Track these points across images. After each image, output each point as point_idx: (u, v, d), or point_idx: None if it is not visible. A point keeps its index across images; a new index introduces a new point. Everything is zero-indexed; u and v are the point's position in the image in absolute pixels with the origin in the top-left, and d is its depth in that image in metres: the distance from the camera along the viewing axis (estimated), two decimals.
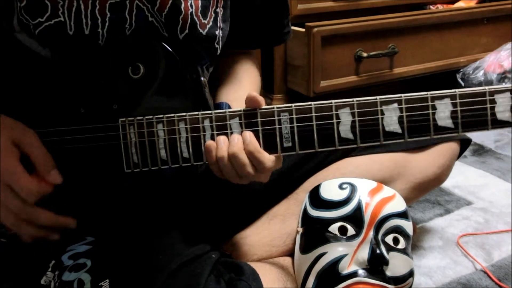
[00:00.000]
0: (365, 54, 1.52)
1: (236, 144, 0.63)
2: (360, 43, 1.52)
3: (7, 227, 0.65)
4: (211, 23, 0.74)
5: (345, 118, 0.64)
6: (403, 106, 0.64)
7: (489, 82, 1.70)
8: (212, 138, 0.65)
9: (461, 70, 1.75)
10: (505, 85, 1.67)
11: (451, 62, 1.72)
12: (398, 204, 0.81)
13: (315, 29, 1.44)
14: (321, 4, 1.57)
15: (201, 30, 0.73)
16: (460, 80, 1.75)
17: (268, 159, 0.65)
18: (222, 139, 0.64)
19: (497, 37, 1.76)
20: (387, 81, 1.62)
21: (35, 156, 0.63)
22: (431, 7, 1.80)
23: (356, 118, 0.64)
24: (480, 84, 1.71)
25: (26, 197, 0.62)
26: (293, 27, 1.48)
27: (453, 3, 1.84)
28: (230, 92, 0.85)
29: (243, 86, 0.87)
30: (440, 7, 1.80)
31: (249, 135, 0.64)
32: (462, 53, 1.74)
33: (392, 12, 1.64)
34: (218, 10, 0.76)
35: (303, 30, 1.46)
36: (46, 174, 0.63)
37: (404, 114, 0.64)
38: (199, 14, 0.73)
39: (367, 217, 0.77)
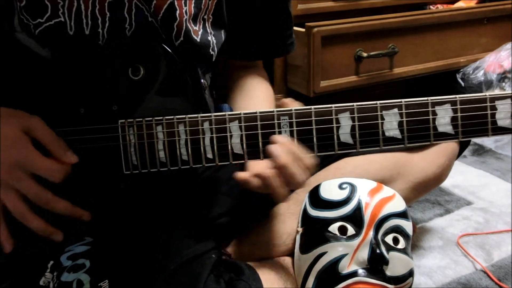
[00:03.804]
0: (365, 54, 1.52)
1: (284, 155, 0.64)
2: (360, 43, 1.52)
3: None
4: (201, 30, 0.74)
5: (345, 122, 0.64)
6: (403, 111, 0.64)
7: (489, 82, 1.70)
8: (212, 140, 0.65)
9: (461, 70, 1.75)
10: (505, 85, 1.68)
11: (451, 62, 1.72)
12: (397, 204, 0.81)
13: (315, 29, 1.44)
14: (321, 4, 1.57)
15: (195, 37, 0.73)
16: (460, 80, 1.75)
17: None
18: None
19: (497, 37, 1.76)
20: (387, 81, 1.61)
21: (47, 141, 0.63)
22: (431, 7, 1.80)
23: (356, 123, 0.64)
24: (480, 84, 1.71)
25: (53, 177, 0.62)
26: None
27: (453, 3, 1.84)
28: (245, 103, 0.84)
29: (256, 97, 0.87)
30: (440, 7, 1.80)
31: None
32: (462, 53, 1.74)
33: (392, 12, 1.64)
34: (205, 17, 0.75)
35: (303, 30, 1.46)
36: (62, 156, 0.63)
37: (404, 119, 0.64)
38: (191, 21, 0.73)
39: (367, 217, 0.77)
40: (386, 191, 0.82)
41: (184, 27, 0.71)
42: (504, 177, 1.42)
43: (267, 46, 0.89)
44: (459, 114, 0.63)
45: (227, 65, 0.91)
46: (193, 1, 0.72)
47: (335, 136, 0.64)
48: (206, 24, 0.76)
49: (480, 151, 1.60)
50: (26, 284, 0.69)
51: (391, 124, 0.64)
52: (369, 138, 0.65)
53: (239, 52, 0.86)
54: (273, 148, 0.64)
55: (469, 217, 1.22)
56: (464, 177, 1.42)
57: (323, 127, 0.64)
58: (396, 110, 0.64)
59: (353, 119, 0.64)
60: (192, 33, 0.73)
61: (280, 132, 0.65)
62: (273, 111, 0.65)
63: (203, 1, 0.73)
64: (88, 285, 0.68)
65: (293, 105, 0.67)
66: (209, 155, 0.66)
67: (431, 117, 0.64)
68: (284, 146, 0.64)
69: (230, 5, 0.79)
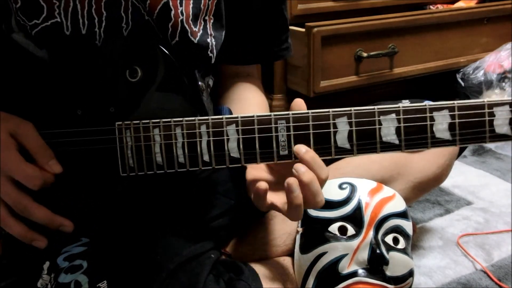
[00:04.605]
0: (365, 54, 1.52)
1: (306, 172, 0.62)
2: (360, 43, 1.52)
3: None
4: (201, 31, 0.74)
5: (342, 127, 0.63)
6: (401, 116, 0.63)
7: (489, 82, 1.70)
8: (209, 144, 0.65)
9: (461, 70, 1.75)
10: (505, 85, 1.68)
11: (451, 62, 1.72)
12: (398, 204, 0.81)
13: (315, 29, 1.44)
14: (321, 4, 1.57)
15: (192, 38, 0.73)
16: (460, 80, 1.75)
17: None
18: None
19: (497, 37, 1.76)
20: (387, 81, 1.61)
21: (33, 148, 0.63)
22: (431, 7, 1.80)
23: (354, 128, 0.63)
24: (480, 84, 1.70)
25: (30, 183, 0.61)
26: (293, 27, 1.49)
27: (453, 3, 1.84)
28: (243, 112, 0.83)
29: (250, 106, 0.86)
30: (440, 7, 1.80)
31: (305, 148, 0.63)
32: (462, 53, 1.74)
33: (392, 12, 1.64)
34: (206, 18, 0.75)
35: (303, 30, 1.46)
36: (45, 165, 0.63)
37: (402, 125, 0.63)
38: (190, 22, 0.72)
39: (367, 217, 0.77)
40: (386, 191, 0.82)
41: (179, 28, 0.71)
42: (504, 177, 1.42)
43: (261, 50, 0.88)
44: (456, 120, 0.63)
45: (220, 73, 0.90)
46: (191, 2, 0.72)
47: (332, 141, 0.64)
48: (207, 26, 0.75)
49: (480, 151, 1.60)
50: (24, 286, 0.69)
51: (388, 130, 0.63)
52: (366, 144, 0.64)
53: (232, 56, 0.86)
54: (300, 166, 0.62)
55: (469, 217, 1.22)
56: (464, 177, 1.42)
57: (320, 131, 0.64)
58: (394, 115, 0.63)
59: (350, 124, 0.63)
60: (190, 34, 0.72)
61: (277, 136, 0.64)
62: (270, 115, 0.64)
63: (203, 1, 0.73)
64: (87, 285, 0.68)
65: (304, 107, 0.66)
66: (206, 158, 0.65)
67: (428, 122, 0.63)
68: (307, 163, 0.62)
69: (225, 7, 0.79)
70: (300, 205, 0.63)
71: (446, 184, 1.27)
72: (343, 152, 0.64)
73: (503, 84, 1.69)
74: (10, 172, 0.61)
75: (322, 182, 0.64)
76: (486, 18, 1.73)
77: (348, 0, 1.60)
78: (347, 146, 0.64)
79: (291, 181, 0.62)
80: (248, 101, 0.87)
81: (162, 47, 0.66)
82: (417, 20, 1.61)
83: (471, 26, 1.72)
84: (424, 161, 0.90)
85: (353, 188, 0.80)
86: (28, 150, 0.63)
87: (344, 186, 0.81)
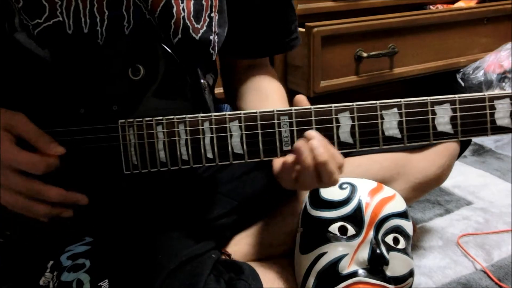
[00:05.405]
0: (365, 54, 1.52)
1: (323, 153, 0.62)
2: (360, 43, 1.52)
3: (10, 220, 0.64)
4: (205, 28, 0.74)
5: (345, 122, 0.64)
6: (403, 111, 0.64)
7: (489, 82, 1.70)
8: (212, 140, 0.65)
9: (461, 70, 1.75)
10: (505, 85, 1.68)
11: (451, 62, 1.72)
12: (398, 204, 0.81)
13: (315, 29, 1.44)
14: (321, 4, 1.57)
15: (194, 35, 0.73)
16: (460, 80, 1.75)
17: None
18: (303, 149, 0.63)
19: (497, 37, 1.77)
20: (387, 81, 1.62)
21: (30, 136, 0.63)
22: (431, 7, 1.80)
23: (356, 123, 0.64)
24: (480, 84, 1.71)
25: (34, 169, 0.61)
26: None
27: (453, 3, 1.84)
28: (261, 103, 0.83)
29: (271, 96, 0.85)
30: (440, 7, 1.80)
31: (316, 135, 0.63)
32: (462, 53, 1.74)
33: (392, 12, 1.64)
34: (212, 15, 0.75)
35: (303, 30, 1.46)
36: (47, 149, 0.63)
37: (404, 119, 0.64)
38: (191, 18, 0.72)
39: (367, 217, 0.77)
40: (387, 191, 0.82)
41: (181, 24, 0.71)
42: (504, 177, 1.42)
43: (271, 41, 0.88)
44: (458, 114, 0.63)
45: (233, 67, 0.90)
46: None
47: (335, 136, 0.64)
48: (213, 23, 0.75)
49: (480, 151, 1.60)
50: (26, 284, 0.69)
51: (390, 124, 0.64)
52: (369, 138, 0.65)
53: (243, 50, 0.86)
54: (315, 144, 0.62)
55: (469, 217, 1.22)
56: (464, 177, 1.42)
57: (323, 126, 0.64)
58: (395, 109, 0.64)
59: (352, 118, 0.64)
60: (191, 30, 0.72)
61: (280, 132, 0.65)
62: (273, 111, 0.65)
63: None
64: (88, 284, 0.68)
65: (306, 103, 0.66)
66: (209, 155, 0.66)
67: (430, 116, 0.64)
68: (321, 142, 0.63)
69: (231, 1, 0.79)
70: (310, 167, 0.63)
71: (446, 184, 1.26)
72: (345, 147, 0.65)
73: (503, 84, 1.70)
74: (11, 162, 0.61)
75: (339, 166, 0.65)
76: (486, 18, 1.73)
77: (348, 0, 1.60)
78: (350, 140, 0.65)
79: (299, 144, 0.63)
80: (269, 91, 0.86)
81: (163, 45, 0.66)
82: (417, 20, 1.61)
83: (471, 26, 1.72)
84: (424, 162, 0.90)
85: (353, 188, 0.80)
86: (26, 140, 0.63)
87: (344, 186, 0.81)
